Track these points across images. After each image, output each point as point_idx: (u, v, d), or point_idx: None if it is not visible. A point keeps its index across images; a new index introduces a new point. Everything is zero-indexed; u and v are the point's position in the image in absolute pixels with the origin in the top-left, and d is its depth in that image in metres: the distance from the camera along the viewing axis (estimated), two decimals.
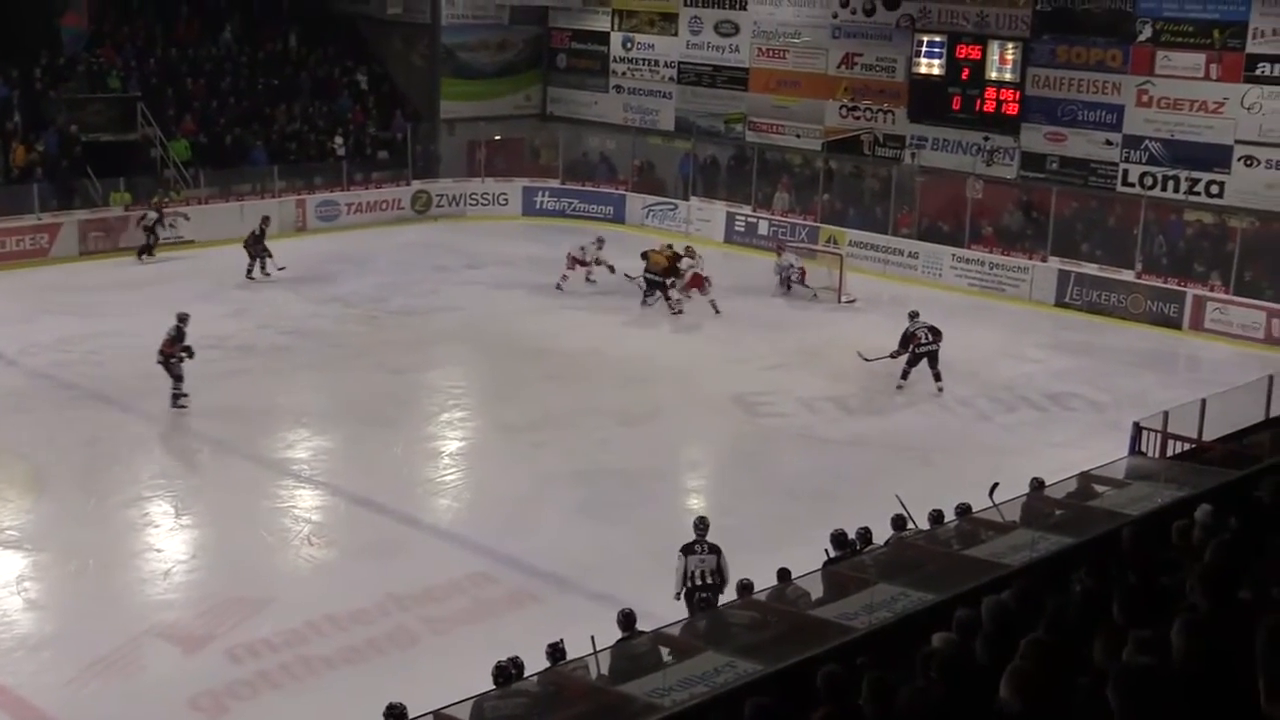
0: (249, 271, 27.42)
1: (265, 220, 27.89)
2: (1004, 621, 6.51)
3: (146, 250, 29.05)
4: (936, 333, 21.88)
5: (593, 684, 9.64)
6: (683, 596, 13.48)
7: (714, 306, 26.01)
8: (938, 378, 21.85)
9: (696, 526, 14.00)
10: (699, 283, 26.24)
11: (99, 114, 31.16)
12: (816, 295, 27.58)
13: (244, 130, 33.12)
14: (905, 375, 21.95)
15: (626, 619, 11.58)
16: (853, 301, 27.27)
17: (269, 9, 37.21)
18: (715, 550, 13.71)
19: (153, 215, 29.06)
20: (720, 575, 13.60)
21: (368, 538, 16.43)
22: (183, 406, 20.13)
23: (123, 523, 16.74)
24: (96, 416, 20.12)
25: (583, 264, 27.53)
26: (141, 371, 21.70)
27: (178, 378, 20.08)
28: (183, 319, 20.45)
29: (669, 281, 26.31)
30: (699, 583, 13.54)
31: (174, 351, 20.07)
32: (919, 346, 21.80)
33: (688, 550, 13.71)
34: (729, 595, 13.00)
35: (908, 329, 21.99)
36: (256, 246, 27.42)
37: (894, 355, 21.91)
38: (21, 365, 22.27)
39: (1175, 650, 5.00)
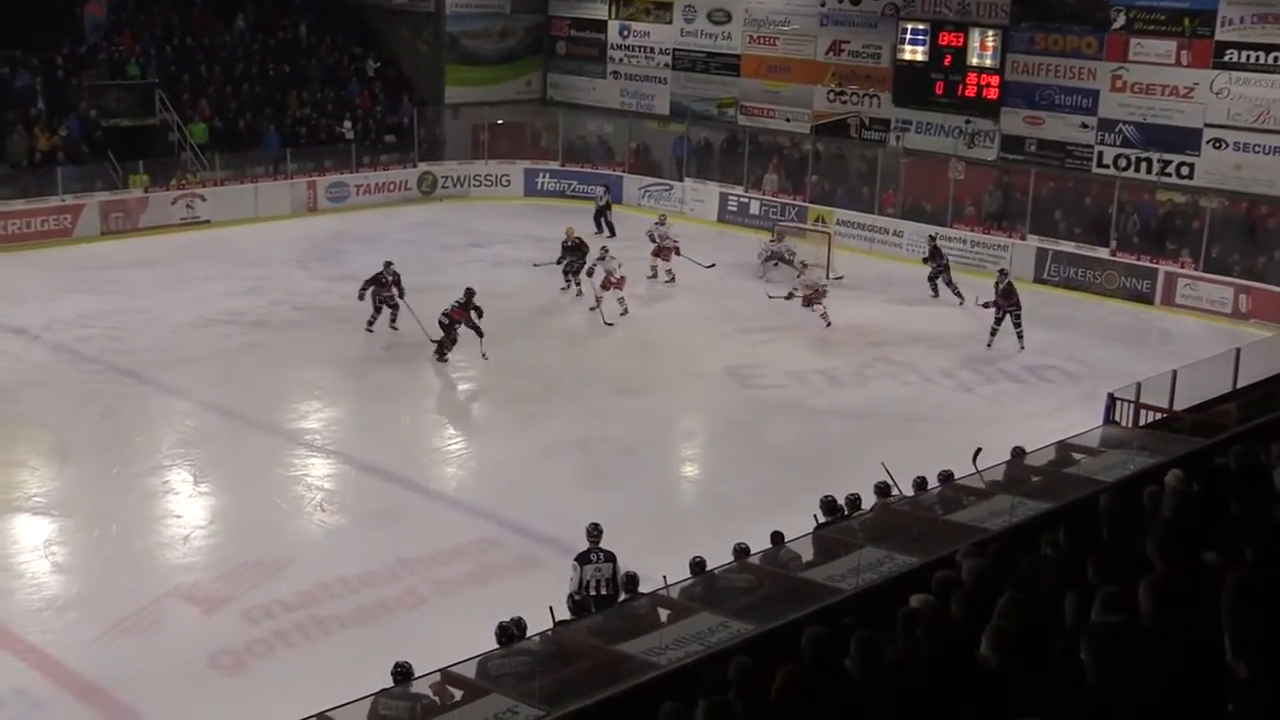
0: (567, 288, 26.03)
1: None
2: (983, 582, 6.60)
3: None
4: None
5: (592, 643, 9.59)
6: (569, 603, 12.21)
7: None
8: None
9: (590, 533, 12.94)
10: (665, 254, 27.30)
11: (119, 100, 31.46)
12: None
13: (257, 115, 33.34)
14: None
15: (631, 580, 11.90)
16: (840, 278, 27.48)
17: None
18: (611, 558, 12.73)
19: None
20: (615, 585, 12.53)
21: (377, 504, 16.66)
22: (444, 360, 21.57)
23: (144, 490, 16.90)
24: (118, 389, 20.32)
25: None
26: (160, 345, 22.13)
27: (452, 341, 21.60)
28: (470, 293, 21.71)
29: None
30: (593, 593, 12.49)
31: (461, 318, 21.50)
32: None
33: (583, 560, 12.70)
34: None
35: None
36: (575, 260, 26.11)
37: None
38: (46, 340, 22.51)
39: (1142, 609, 5.01)
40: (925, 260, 27.18)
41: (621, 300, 24.48)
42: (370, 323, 23.32)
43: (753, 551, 11.71)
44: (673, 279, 27.30)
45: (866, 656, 5.75)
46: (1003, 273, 23.94)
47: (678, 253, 27.43)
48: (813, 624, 6.54)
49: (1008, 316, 23.39)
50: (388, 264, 23.61)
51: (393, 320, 23.39)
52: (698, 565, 11.86)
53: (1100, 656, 4.55)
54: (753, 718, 5.50)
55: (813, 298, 24.50)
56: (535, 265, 26.24)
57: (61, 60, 31.78)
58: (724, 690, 5.98)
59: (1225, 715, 4.09)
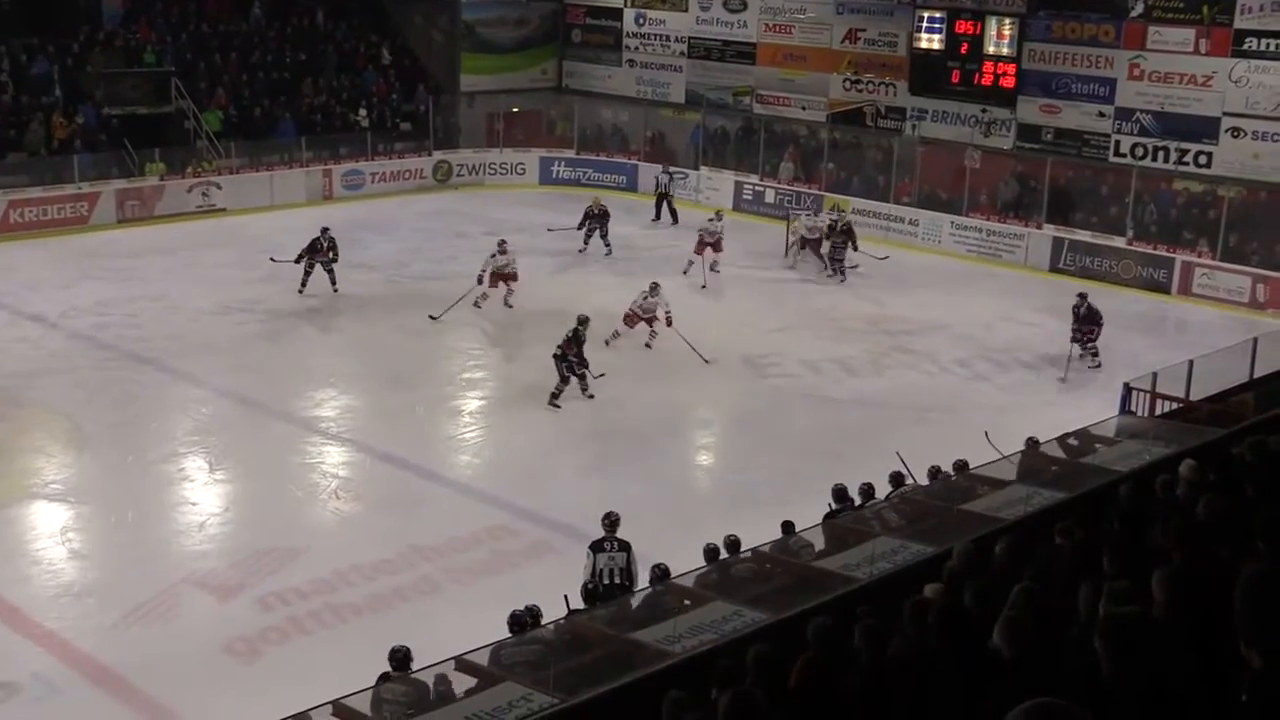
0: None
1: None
2: (990, 570, 6.73)
3: None
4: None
5: (606, 631, 9.58)
6: (582, 592, 12.23)
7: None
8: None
9: (604, 522, 13.00)
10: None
11: (135, 88, 31.49)
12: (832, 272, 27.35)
13: (273, 103, 33.47)
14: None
15: (664, 574, 11.58)
16: (855, 267, 27.44)
17: None
18: (625, 548, 12.76)
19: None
20: (629, 575, 12.60)
21: (392, 492, 16.74)
22: (556, 407, 19.53)
23: (160, 477, 17.00)
24: (134, 376, 20.42)
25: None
26: (176, 333, 22.22)
27: (565, 381, 19.60)
28: (583, 321, 19.97)
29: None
30: (606, 582, 12.49)
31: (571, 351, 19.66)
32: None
33: (596, 548, 12.73)
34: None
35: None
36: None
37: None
38: (63, 328, 22.60)
39: (1156, 600, 5.00)
40: (829, 234, 27.05)
41: (508, 297, 24.24)
42: (302, 285, 24.53)
43: (744, 545, 11.70)
44: (717, 270, 27.20)
45: (872, 646, 5.78)
46: (1081, 296, 22.45)
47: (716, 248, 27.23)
48: (819, 615, 6.58)
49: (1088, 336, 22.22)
50: (324, 229, 24.77)
51: (333, 283, 24.79)
52: (711, 552, 11.91)
53: (1115, 646, 4.49)
54: (772, 706, 5.51)
55: (638, 317, 22.46)
56: (550, 230, 26.21)
57: (78, 48, 31.92)
58: (740, 678, 5.98)
59: (1238, 706, 4.08)
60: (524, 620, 10.58)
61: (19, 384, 19.96)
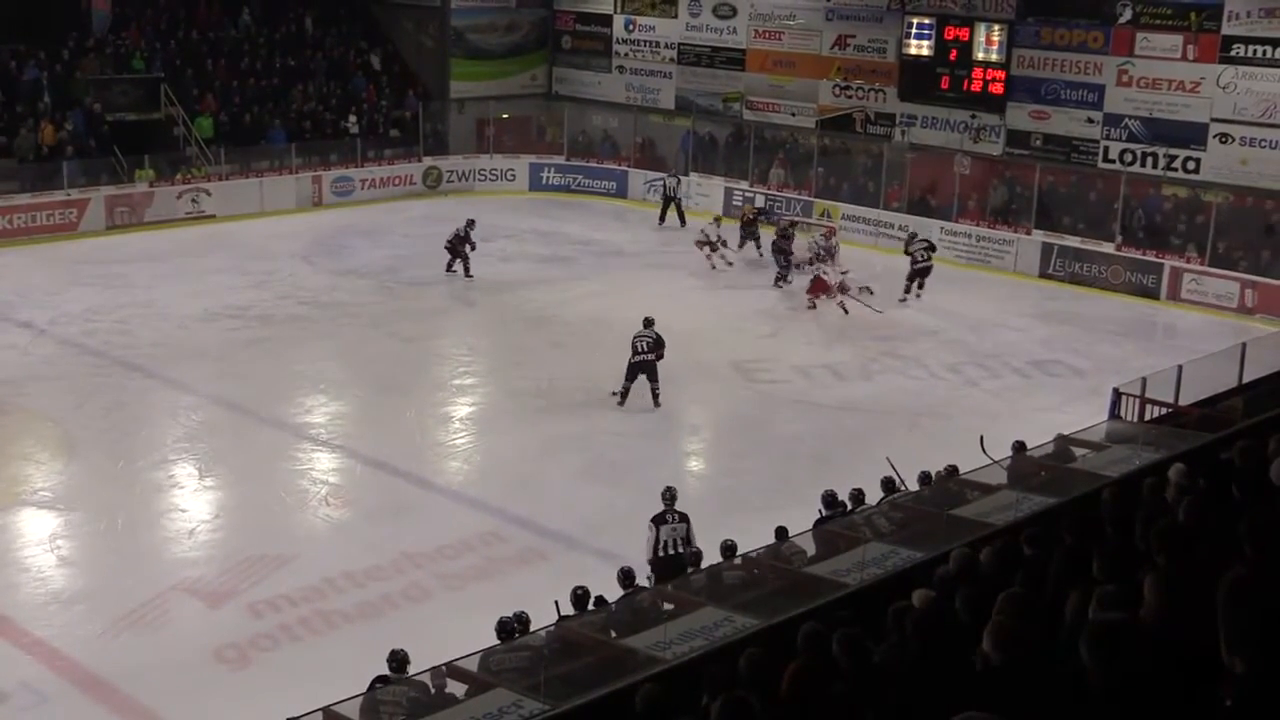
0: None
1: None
2: (980, 576, 6.71)
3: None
4: None
5: (596, 638, 9.62)
6: (651, 564, 13.14)
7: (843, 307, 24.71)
8: None
9: (664, 497, 13.77)
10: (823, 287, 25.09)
11: (124, 94, 31.54)
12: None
13: (262, 109, 33.39)
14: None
15: (626, 575, 11.81)
16: (846, 273, 26.98)
17: None
18: (685, 519, 13.51)
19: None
20: (689, 543, 13.32)
21: (382, 499, 16.75)
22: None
23: (149, 484, 16.99)
24: (123, 383, 20.46)
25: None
26: (165, 339, 22.23)
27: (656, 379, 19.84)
28: (649, 322, 20.08)
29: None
30: (671, 551, 13.24)
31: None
32: None
33: (659, 520, 13.46)
34: (712, 557, 12.55)
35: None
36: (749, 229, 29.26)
37: None
38: (52, 334, 22.62)
39: (1145, 604, 5.00)
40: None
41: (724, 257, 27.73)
42: (448, 266, 26.74)
43: (755, 545, 11.70)
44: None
45: (852, 654, 5.78)
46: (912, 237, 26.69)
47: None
48: (809, 620, 6.57)
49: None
50: (470, 221, 26.98)
51: (466, 270, 26.70)
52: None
53: (1100, 653, 4.48)
54: (765, 711, 5.48)
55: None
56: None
57: (67, 54, 31.87)
58: (729, 685, 5.98)
59: (1224, 711, 4.09)
60: (511, 627, 10.59)
61: (7, 391, 19.96)
